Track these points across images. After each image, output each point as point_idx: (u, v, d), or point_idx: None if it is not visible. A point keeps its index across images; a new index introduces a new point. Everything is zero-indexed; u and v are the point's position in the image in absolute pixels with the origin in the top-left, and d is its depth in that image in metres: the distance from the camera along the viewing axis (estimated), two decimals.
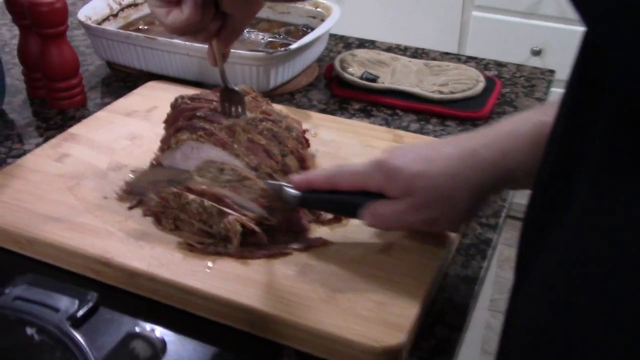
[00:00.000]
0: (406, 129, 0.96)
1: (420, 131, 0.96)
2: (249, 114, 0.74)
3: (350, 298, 0.61)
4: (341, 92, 1.06)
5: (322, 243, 0.67)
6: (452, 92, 1.01)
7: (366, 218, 0.64)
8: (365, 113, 1.01)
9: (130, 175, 0.78)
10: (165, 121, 0.78)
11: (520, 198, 0.79)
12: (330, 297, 0.61)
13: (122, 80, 1.10)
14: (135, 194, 0.73)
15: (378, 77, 1.05)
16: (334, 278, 0.64)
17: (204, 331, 0.62)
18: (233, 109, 0.74)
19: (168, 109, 0.90)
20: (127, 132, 0.87)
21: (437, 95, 1.01)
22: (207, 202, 0.65)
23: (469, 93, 1.02)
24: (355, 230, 0.70)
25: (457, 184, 0.58)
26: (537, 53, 1.97)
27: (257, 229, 0.65)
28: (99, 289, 0.65)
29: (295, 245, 0.67)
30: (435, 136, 0.95)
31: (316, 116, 0.93)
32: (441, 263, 0.66)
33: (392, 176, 0.60)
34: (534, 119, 0.56)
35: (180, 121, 0.74)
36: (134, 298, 0.65)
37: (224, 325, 0.62)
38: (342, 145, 0.85)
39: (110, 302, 0.64)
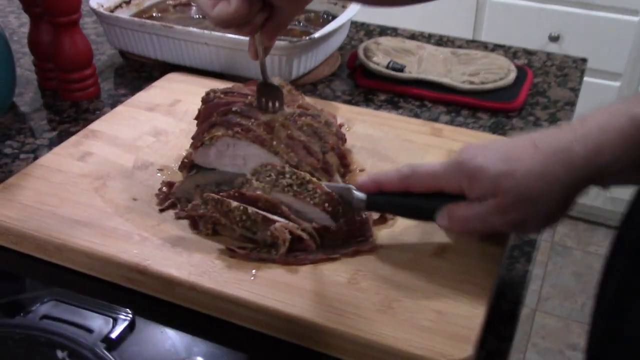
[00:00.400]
0: (436, 121, 0.92)
1: (452, 124, 0.92)
2: (286, 109, 0.70)
3: (409, 307, 0.57)
4: (366, 82, 1.01)
5: (371, 248, 0.63)
6: (483, 83, 0.97)
7: (444, 221, 0.60)
8: (392, 104, 0.97)
9: (158, 175, 0.74)
10: (197, 117, 0.73)
11: None
12: (386, 307, 0.57)
13: (136, 71, 1.05)
14: (178, 198, 0.68)
15: (405, 66, 1.01)
16: (387, 285, 0.60)
17: (242, 341, 0.58)
18: (270, 104, 0.70)
19: (192, 103, 0.86)
20: (150, 127, 0.82)
21: (467, 86, 0.97)
22: (251, 210, 0.61)
23: (500, 83, 0.97)
24: (402, 231, 0.66)
25: (547, 183, 0.53)
26: (555, 39, 1.92)
27: (304, 235, 0.61)
28: (132, 299, 0.61)
29: (343, 250, 0.63)
30: (468, 129, 0.90)
31: (345, 108, 0.89)
32: (499, 266, 0.62)
33: (475, 176, 0.56)
34: (626, 112, 0.51)
35: (214, 117, 0.69)
36: (171, 308, 0.61)
37: (265, 335, 0.59)
38: (379, 139, 0.80)
39: (147, 313, 0.60)
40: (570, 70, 1.06)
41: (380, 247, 0.64)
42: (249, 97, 0.71)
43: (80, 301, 0.59)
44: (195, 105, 0.83)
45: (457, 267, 0.62)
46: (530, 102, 0.98)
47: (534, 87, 1.01)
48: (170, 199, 0.69)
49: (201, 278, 0.60)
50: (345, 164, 0.71)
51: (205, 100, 0.72)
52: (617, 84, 1.94)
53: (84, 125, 0.84)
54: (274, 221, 0.61)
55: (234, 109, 0.69)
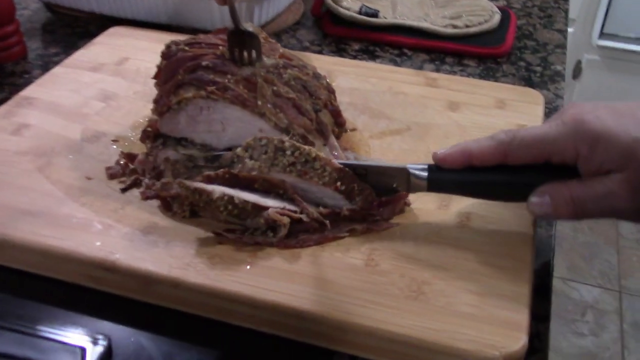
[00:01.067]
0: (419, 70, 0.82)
1: (437, 73, 0.82)
2: (266, 60, 0.58)
3: (442, 290, 0.48)
4: (336, 30, 0.90)
5: (387, 227, 0.53)
6: (467, 26, 0.88)
7: (545, 204, 0.47)
8: (368, 54, 0.86)
9: (114, 147, 0.61)
10: (157, 76, 0.60)
11: None
12: (416, 291, 0.48)
13: (68, 26, 0.90)
14: (143, 173, 0.57)
15: (378, 11, 0.90)
16: (413, 265, 0.50)
17: (240, 343, 0.48)
18: (246, 55, 0.58)
19: (143, 60, 0.74)
20: (97, 91, 0.69)
21: (450, 30, 0.87)
22: (238, 199, 0.50)
23: (486, 26, 0.88)
24: (415, 199, 0.56)
25: None
26: None
27: (305, 218, 0.51)
28: (97, 301, 0.50)
29: (352, 226, 0.52)
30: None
31: (323, 60, 0.77)
32: (535, 231, 0.54)
33: (600, 142, 0.44)
34: None
35: (179, 75, 0.57)
36: (149, 309, 0.50)
37: (267, 335, 0.48)
38: (368, 94, 0.70)
39: (122, 318, 0.49)
40: (554, 11, 0.97)
41: (397, 225, 0.54)
42: (220, 48, 0.59)
43: (31, 322, 0.46)
44: (147, 62, 0.71)
45: (487, 237, 0.52)
46: (518, 46, 0.89)
47: (519, 30, 0.92)
48: (133, 175, 0.57)
49: (185, 272, 0.48)
50: (339, 123, 0.60)
51: (167, 55, 0.59)
52: (571, 29, 1.89)
53: (12, 92, 0.70)
54: (267, 207, 0.50)
55: (204, 63, 0.56)
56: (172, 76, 0.57)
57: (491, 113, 0.68)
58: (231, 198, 0.50)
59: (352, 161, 0.56)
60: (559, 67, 0.84)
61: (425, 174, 0.51)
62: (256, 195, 0.51)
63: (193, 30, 0.83)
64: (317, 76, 0.60)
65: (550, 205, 0.47)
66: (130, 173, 0.58)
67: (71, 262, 0.50)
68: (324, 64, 0.75)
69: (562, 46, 0.89)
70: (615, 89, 2.03)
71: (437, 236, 0.53)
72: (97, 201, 0.55)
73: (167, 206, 0.54)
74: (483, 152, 0.49)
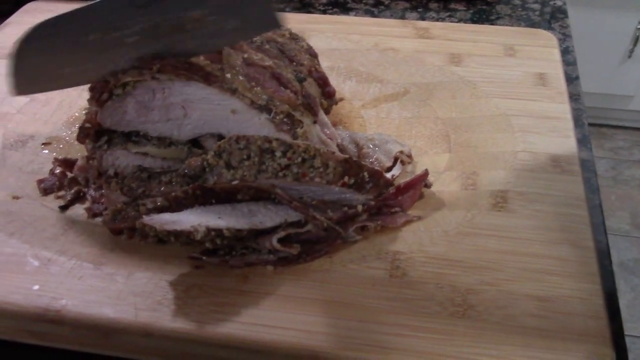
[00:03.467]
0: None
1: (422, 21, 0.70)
2: None
3: (495, 300, 0.37)
4: None
5: (407, 220, 0.42)
6: None
7: None
8: (339, 7, 0.74)
9: (45, 151, 0.48)
10: None
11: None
12: (462, 305, 0.37)
13: None
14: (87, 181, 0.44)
15: None
16: (448, 269, 0.39)
17: None
18: None
19: None
20: None
21: None
22: (228, 231, 0.37)
23: None
24: (440, 182, 0.45)
25: None
26: None
27: (312, 229, 0.39)
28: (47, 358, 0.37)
29: (367, 224, 0.41)
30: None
31: (293, 18, 0.65)
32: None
33: None
34: None
35: None
36: None
37: None
38: (351, 54, 0.58)
39: None
40: None
41: (419, 219, 0.42)
42: None
43: None
44: None
45: (533, 220, 0.42)
46: None
47: None
48: (73, 186, 0.45)
49: (157, 314, 0.36)
50: (328, 94, 0.48)
51: None
52: None
53: None
54: (266, 229, 0.38)
55: None
56: None
57: (502, 63, 0.57)
58: (219, 232, 0.37)
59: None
60: (559, 2, 0.73)
61: None
62: (244, 209, 0.39)
63: None
64: (294, 37, 0.48)
65: None
66: (69, 184, 0.45)
67: (2, 316, 0.37)
68: (292, 22, 0.62)
69: None
70: None
71: (471, 226, 0.41)
72: (28, 227, 0.42)
73: (129, 234, 0.41)
74: None
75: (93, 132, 0.45)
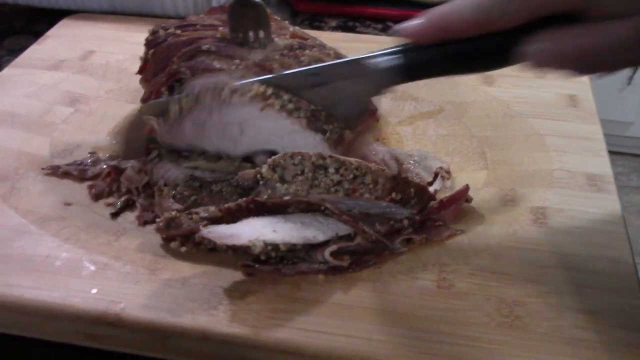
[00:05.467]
0: None
1: None
2: (278, 41, 0.47)
3: (541, 312, 0.38)
4: (308, 6, 0.81)
5: (450, 235, 0.43)
6: None
7: (543, 53, 0.35)
8: (348, 30, 0.77)
9: (92, 158, 0.49)
10: (142, 70, 0.49)
11: None
12: (509, 316, 0.38)
13: None
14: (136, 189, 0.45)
15: None
16: (494, 281, 0.40)
17: None
18: (251, 35, 0.47)
19: (111, 52, 0.61)
20: (61, 94, 0.56)
21: None
22: (284, 245, 0.39)
23: None
24: (475, 193, 0.46)
25: None
26: None
27: (362, 242, 0.40)
28: None
29: (413, 237, 0.42)
30: None
31: (327, 37, 0.66)
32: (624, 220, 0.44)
33: None
34: None
35: (174, 63, 0.45)
36: None
37: None
38: None
39: None
40: None
41: (462, 233, 0.44)
42: (220, 29, 0.47)
43: None
44: (118, 54, 0.59)
45: (573, 236, 0.43)
46: None
47: None
48: (124, 193, 0.46)
49: (214, 319, 0.37)
50: (371, 111, 0.50)
51: (153, 42, 0.48)
52: None
53: None
54: (319, 243, 0.40)
55: (204, 47, 0.45)
56: (164, 66, 0.46)
57: (533, 84, 0.58)
58: (276, 247, 0.38)
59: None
60: None
61: (396, 61, 0.39)
62: (297, 222, 0.40)
63: (149, 19, 0.70)
64: (339, 56, 0.49)
65: (548, 54, 0.35)
66: (118, 191, 0.46)
67: (61, 319, 0.38)
68: (328, 41, 0.64)
69: None
70: None
71: (513, 240, 0.43)
72: (82, 233, 0.43)
73: (169, 235, 0.42)
74: (462, 19, 0.36)
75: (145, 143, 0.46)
